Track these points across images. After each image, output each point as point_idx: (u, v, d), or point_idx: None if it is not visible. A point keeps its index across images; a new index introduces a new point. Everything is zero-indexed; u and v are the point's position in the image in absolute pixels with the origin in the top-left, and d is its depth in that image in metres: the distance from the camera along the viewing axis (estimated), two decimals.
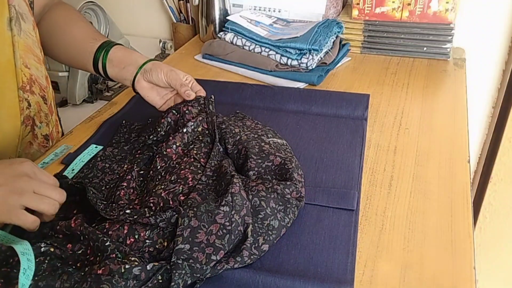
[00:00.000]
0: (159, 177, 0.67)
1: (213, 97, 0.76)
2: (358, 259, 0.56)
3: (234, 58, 1.08)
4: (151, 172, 0.68)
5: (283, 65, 1.02)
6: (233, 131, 0.72)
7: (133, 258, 0.52)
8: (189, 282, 0.51)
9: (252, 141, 0.70)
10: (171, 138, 0.71)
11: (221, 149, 0.72)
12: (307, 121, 0.84)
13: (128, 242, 0.56)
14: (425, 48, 1.09)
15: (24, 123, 0.75)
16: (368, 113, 0.85)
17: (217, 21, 1.23)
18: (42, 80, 0.79)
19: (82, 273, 0.52)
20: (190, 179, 0.65)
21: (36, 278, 0.50)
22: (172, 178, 0.65)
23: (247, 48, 1.08)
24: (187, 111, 0.74)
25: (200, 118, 0.73)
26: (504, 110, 1.19)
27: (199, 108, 0.75)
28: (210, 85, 0.95)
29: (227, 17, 1.16)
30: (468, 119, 0.86)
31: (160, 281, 0.51)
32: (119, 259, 0.52)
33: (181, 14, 1.37)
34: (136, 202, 0.64)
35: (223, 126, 0.74)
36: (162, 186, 0.63)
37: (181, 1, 1.35)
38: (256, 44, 1.06)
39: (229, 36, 1.11)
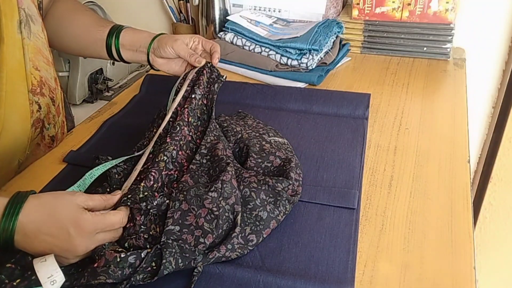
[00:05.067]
0: (159, 136, 0.66)
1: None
2: (358, 259, 0.56)
3: (234, 58, 1.08)
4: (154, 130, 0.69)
5: (283, 65, 1.03)
6: (235, 130, 0.72)
7: (120, 249, 0.53)
8: (180, 264, 0.52)
9: (253, 139, 0.70)
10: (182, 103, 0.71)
11: (217, 126, 0.71)
12: (308, 120, 0.84)
13: (127, 225, 0.56)
14: (425, 48, 1.09)
15: (34, 126, 0.76)
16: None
17: (217, 21, 1.23)
18: (51, 82, 0.79)
19: (80, 270, 0.52)
20: (186, 167, 0.65)
21: (33, 278, 0.50)
22: (173, 154, 0.64)
23: (247, 48, 1.08)
24: (197, 81, 0.74)
25: (203, 93, 0.72)
26: (504, 110, 1.19)
27: (207, 77, 0.74)
28: None
29: (227, 17, 1.16)
30: (468, 119, 0.86)
31: (154, 267, 0.52)
32: (104, 247, 0.53)
33: (181, 14, 1.37)
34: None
35: (225, 125, 0.74)
36: (165, 159, 0.62)
37: (181, 1, 1.35)
38: (256, 44, 1.06)
39: (229, 36, 1.11)
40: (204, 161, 0.66)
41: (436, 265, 0.56)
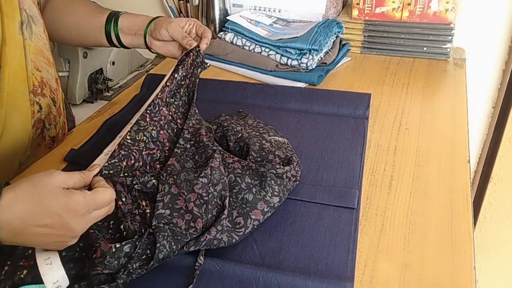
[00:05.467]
0: (141, 113, 0.65)
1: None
2: (358, 259, 0.56)
3: (234, 58, 1.08)
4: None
5: (283, 65, 1.03)
6: (235, 129, 0.73)
7: (110, 235, 0.54)
8: (174, 247, 0.53)
9: (254, 138, 0.70)
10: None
11: (197, 110, 0.72)
12: (308, 120, 0.84)
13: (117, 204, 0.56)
14: (425, 48, 1.09)
15: (35, 126, 0.76)
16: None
17: (217, 21, 1.22)
18: (52, 83, 0.79)
19: (84, 253, 0.53)
20: (168, 147, 0.65)
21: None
22: (153, 134, 0.64)
23: (247, 48, 1.08)
24: (182, 61, 0.74)
25: (185, 74, 0.73)
26: (504, 110, 1.19)
27: (192, 60, 0.74)
28: (212, 84, 0.95)
29: (227, 17, 1.16)
30: (468, 119, 0.86)
31: (150, 255, 0.52)
32: (98, 236, 0.53)
33: (181, 14, 1.37)
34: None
35: (225, 124, 0.74)
36: (144, 139, 0.62)
37: (181, 1, 1.35)
38: (256, 44, 1.06)
39: (229, 36, 1.11)
40: (188, 146, 0.67)
41: (436, 265, 0.56)
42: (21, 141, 0.74)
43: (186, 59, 0.73)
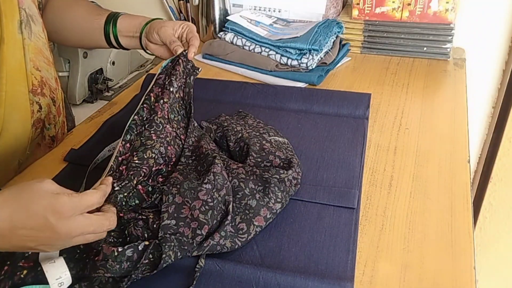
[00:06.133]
0: (142, 129, 0.64)
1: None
2: (358, 259, 0.56)
3: (234, 58, 1.08)
4: (137, 121, 0.66)
5: (283, 65, 1.03)
6: (235, 129, 0.73)
7: (112, 238, 0.54)
8: (179, 256, 0.53)
9: (254, 139, 0.70)
10: (159, 93, 0.69)
11: (196, 124, 0.72)
12: (308, 120, 0.84)
13: (121, 215, 0.56)
14: (425, 48, 1.09)
15: (34, 126, 0.76)
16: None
17: (217, 21, 1.23)
18: (51, 82, 0.79)
19: (85, 255, 0.53)
20: (173, 163, 0.65)
21: (39, 269, 0.51)
22: (161, 150, 0.63)
23: (247, 48, 1.08)
24: (173, 71, 0.71)
25: (179, 85, 0.71)
26: (504, 110, 1.19)
27: (183, 67, 0.72)
28: (212, 84, 0.95)
29: (227, 17, 1.16)
30: (468, 119, 0.86)
31: (152, 259, 0.52)
32: (101, 241, 0.53)
33: (181, 14, 1.37)
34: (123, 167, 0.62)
35: (225, 124, 0.74)
36: (153, 155, 0.62)
37: (181, 1, 1.35)
38: (256, 44, 1.06)
39: (229, 36, 1.11)
40: (190, 161, 0.67)
41: (436, 265, 0.56)
42: (21, 140, 0.74)
43: (177, 68, 0.71)
